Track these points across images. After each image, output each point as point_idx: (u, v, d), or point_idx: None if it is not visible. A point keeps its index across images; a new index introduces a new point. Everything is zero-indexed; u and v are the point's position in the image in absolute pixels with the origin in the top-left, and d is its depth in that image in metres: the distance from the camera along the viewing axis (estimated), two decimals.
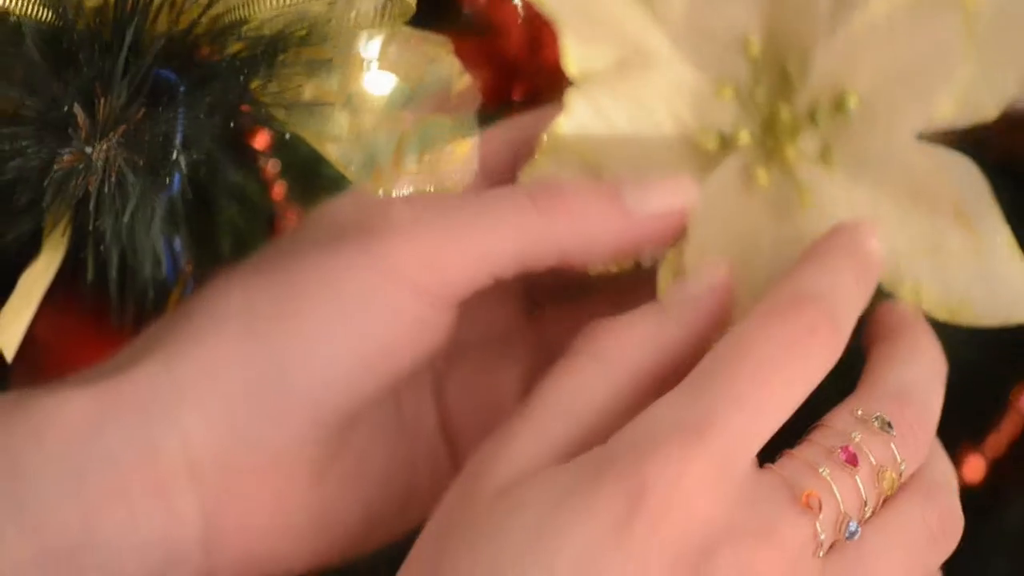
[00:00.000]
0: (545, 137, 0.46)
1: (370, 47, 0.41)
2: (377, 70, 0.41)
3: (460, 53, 0.49)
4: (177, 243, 0.43)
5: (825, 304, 0.39)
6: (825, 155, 0.46)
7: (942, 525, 0.39)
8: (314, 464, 0.43)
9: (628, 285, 0.45)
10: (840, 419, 0.39)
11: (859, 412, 0.39)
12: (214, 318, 0.41)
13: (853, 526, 0.37)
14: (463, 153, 0.42)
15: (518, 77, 0.54)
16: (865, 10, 0.45)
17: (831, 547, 0.37)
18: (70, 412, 0.40)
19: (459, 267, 0.42)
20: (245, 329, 0.41)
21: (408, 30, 0.41)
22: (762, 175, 0.46)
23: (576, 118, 0.46)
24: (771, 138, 0.46)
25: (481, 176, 0.45)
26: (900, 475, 0.38)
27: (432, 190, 0.41)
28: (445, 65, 0.42)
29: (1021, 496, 0.58)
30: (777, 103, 0.46)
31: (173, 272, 0.43)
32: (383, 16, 0.40)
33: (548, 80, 0.54)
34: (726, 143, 0.46)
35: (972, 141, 0.46)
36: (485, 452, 0.39)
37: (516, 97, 0.54)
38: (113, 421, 0.40)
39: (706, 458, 0.36)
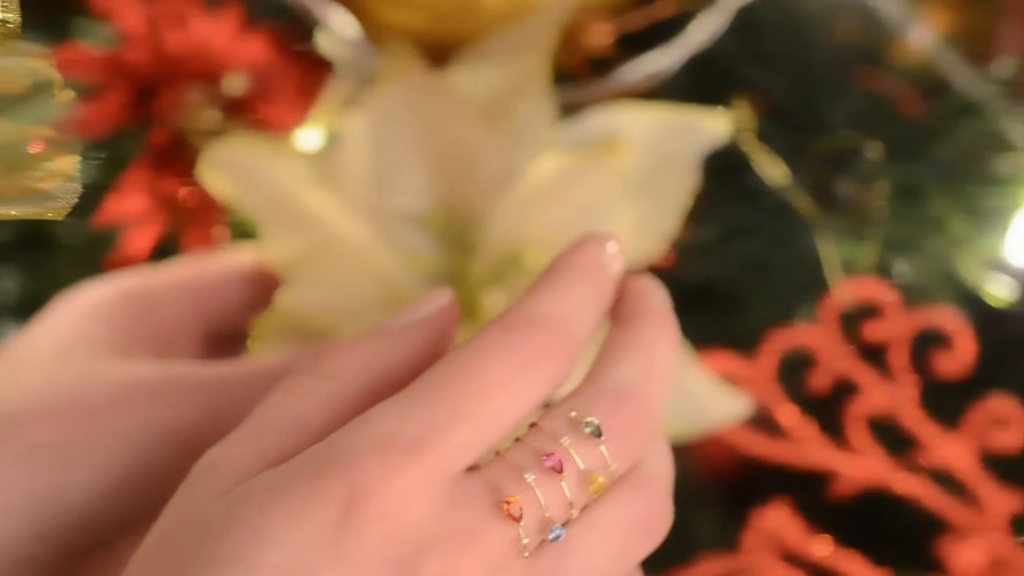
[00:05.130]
0: (263, 319, 0.49)
1: None
2: None
3: (90, 69, 0.49)
4: None
5: (559, 326, 0.39)
6: None
7: (649, 520, 0.39)
8: None
9: None
10: (554, 420, 0.39)
11: (573, 413, 0.38)
12: None
13: (557, 530, 0.37)
14: (65, 170, 0.41)
15: (152, 92, 0.54)
16: (528, 178, 0.48)
17: (539, 545, 0.37)
18: None
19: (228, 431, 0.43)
20: None
21: (11, 42, 0.40)
22: (462, 331, 0.48)
23: (290, 299, 0.49)
24: (465, 297, 0.49)
25: (200, 317, 0.50)
26: (611, 475, 0.38)
27: (30, 210, 0.40)
28: (46, 77, 0.41)
29: None
30: (463, 266, 0.49)
31: None
32: None
33: (179, 93, 0.54)
34: None
35: None
36: (203, 464, 0.38)
37: (152, 111, 0.55)
38: None
39: (423, 468, 0.36)
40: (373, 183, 0.49)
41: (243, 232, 0.55)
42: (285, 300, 0.49)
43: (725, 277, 0.56)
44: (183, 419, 0.44)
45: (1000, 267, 0.58)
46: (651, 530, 0.39)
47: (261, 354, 0.49)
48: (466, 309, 0.49)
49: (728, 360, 0.55)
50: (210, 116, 0.53)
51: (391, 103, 0.49)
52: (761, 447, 0.56)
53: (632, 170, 0.48)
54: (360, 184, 0.49)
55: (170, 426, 0.44)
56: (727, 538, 0.56)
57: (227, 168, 0.49)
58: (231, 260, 0.52)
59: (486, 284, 0.49)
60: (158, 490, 0.43)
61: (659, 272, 0.49)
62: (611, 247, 0.43)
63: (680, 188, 0.50)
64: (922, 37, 0.59)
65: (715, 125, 0.50)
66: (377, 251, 0.49)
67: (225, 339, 0.50)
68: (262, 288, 0.50)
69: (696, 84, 0.55)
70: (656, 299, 0.43)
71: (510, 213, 0.48)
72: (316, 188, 0.49)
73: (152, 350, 0.48)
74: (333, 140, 0.49)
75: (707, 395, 0.50)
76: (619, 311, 0.43)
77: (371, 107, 0.49)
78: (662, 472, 0.40)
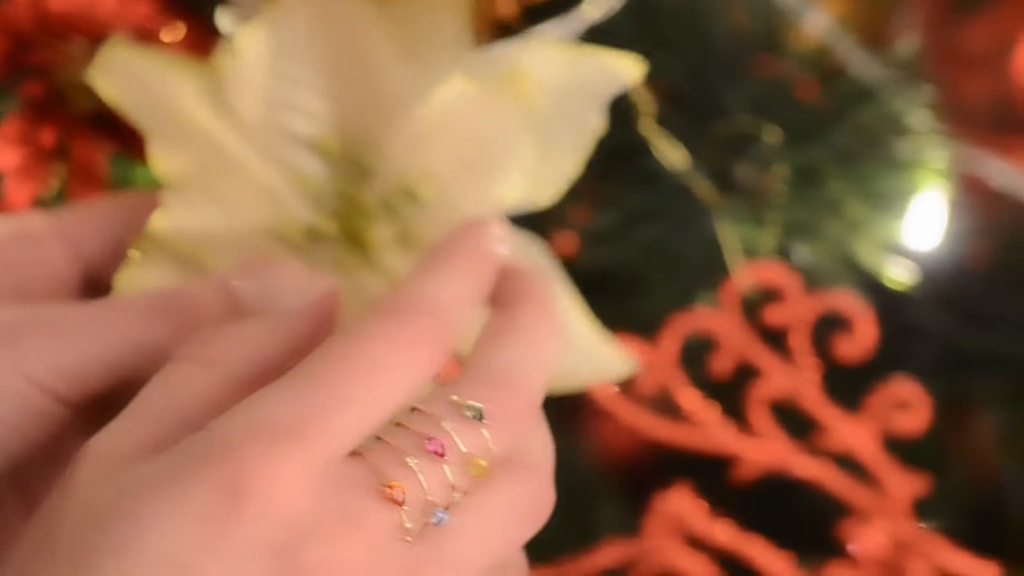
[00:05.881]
0: (140, 239, 0.46)
1: None
2: None
3: None
4: None
5: (438, 311, 0.40)
6: (405, 239, 0.47)
7: (531, 503, 0.39)
8: None
9: None
10: (435, 405, 0.38)
11: (454, 397, 0.39)
12: None
13: (440, 513, 0.37)
14: None
15: (30, 45, 0.53)
16: (428, 106, 0.46)
17: (422, 529, 0.37)
18: None
19: (91, 376, 0.43)
20: None
21: None
22: (350, 262, 0.47)
23: (171, 217, 0.47)
24: (355, 227, 0.48)
25: (74, 260, 0.48)
26: (493, 459, 0.38)
27: None
28: None
29: None
30: (355, 195, 0.47)
31: None
32: None
33: (57, 47, 0.53)
34: (314, 234, 0.47)
35: None
36: (83, 453, 0.37)
37: (29, 64, 0.53)
38: None
39: (304, 454, 0.36)
40: (267, 100, 0.47)
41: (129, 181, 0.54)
42: (161, 222, 0.47)
43: (626, 262, 0.56)
44: (45, 362, 0.42)
45: (899, 250, 0.58)
46: (534, 513, 0.40)
47: (127, 292, 0.47)
48: (354, 239, 0.48)
49: (630, 345, 0.55)
50: None
51: (294, 16, 0.47)
52: (663, 431, 0.56)
53: (536, 106, 0.47)
54: (253, 100, 0.47)
55: (34, 368, 0.42)
56: (629, 523, 0.56)
57: (117, 74, 0.47)
58: (105, 201, 0.50)
59: (377, 214, 0.48)
60: (30, 438, 0.42)
61: (560, 257, 0.49)
62: (494, 232, 0.43)
63: (583, 130, 0.48)
64: (818, 22, 0.60)
65: (624, 67, 0.49)
66: (265, 172, 0.47)
67: (107, 282, 0.49)
68: (141, 227, 0.48)
69: None
70: (537, 284, 0.43)
71: (408, 140, 0.47)
72: (207, 102, 0.47)
73: (20, 296, 0.46)
74: (230, 57, 0.47)
75: (593, 349, 0.49)
76: (500, 296, 0.43)
77: (272, 19, 0.47)
78: (543, 456, 0.41)
